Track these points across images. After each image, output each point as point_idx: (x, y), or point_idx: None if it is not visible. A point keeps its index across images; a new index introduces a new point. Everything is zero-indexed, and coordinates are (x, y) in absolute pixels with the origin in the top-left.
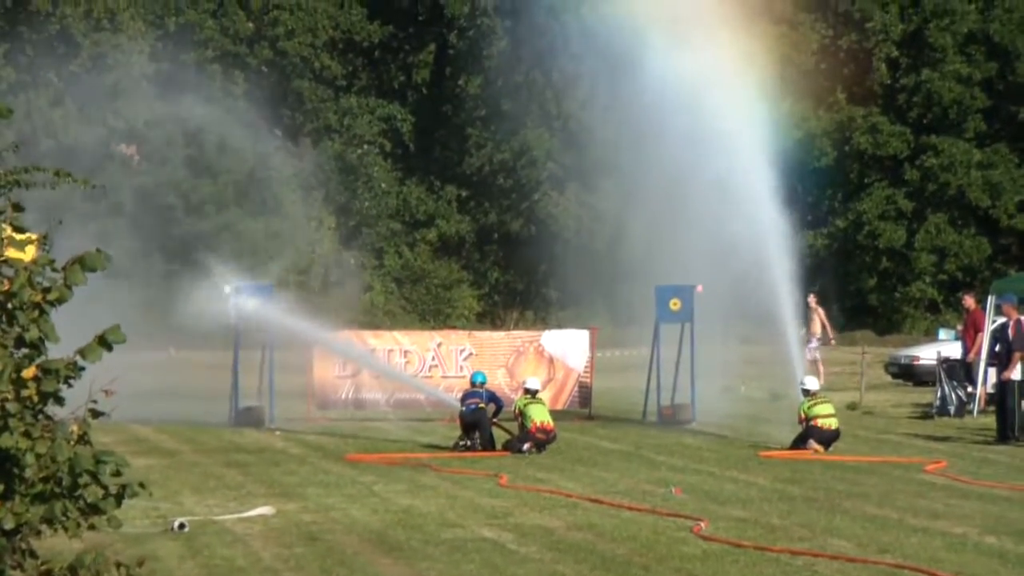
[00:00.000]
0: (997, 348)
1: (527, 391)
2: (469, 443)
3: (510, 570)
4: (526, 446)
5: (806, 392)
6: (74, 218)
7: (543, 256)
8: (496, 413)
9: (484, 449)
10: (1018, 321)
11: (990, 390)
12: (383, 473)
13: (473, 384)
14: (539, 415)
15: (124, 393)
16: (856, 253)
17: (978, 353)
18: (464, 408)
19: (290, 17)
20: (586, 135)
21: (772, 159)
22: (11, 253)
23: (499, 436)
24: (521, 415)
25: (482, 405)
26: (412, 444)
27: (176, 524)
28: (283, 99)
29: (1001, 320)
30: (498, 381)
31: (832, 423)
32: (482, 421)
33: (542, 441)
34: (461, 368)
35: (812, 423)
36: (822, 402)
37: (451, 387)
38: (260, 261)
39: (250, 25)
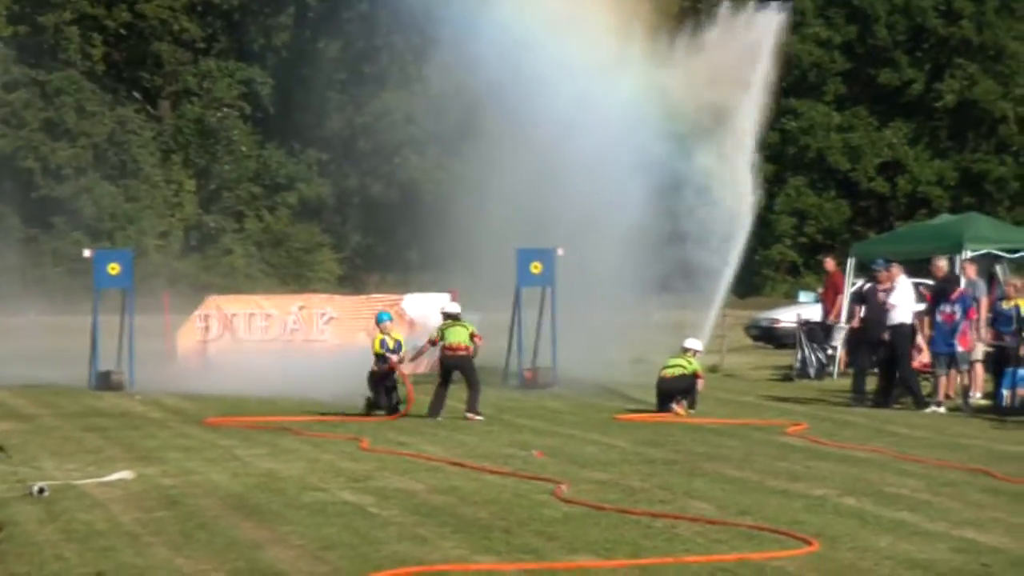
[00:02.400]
0: (864, 313)
1: (448, 315)
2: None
3: (372, 533)
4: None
5: (685, 350)
6: None
7: (404, 219)
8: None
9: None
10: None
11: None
12: (243, 437)
13: (379, 322)
14: (452, 336)
15: None
16: None
17: (838, 316)
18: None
19: None
20: (447, 99)
21: (637, 125)
22: None
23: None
24: (441, 339)
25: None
26: (273, 408)
27: (35, 489)
28: (142, 62)
29: (860, 282)
30: (360, 344)
31: (674, 372)
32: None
33: (449, 359)
34: (323, 331)
35: (661, 375)
36: (674, 357)
37: (314, 351)
38: (119, 225)
39: None
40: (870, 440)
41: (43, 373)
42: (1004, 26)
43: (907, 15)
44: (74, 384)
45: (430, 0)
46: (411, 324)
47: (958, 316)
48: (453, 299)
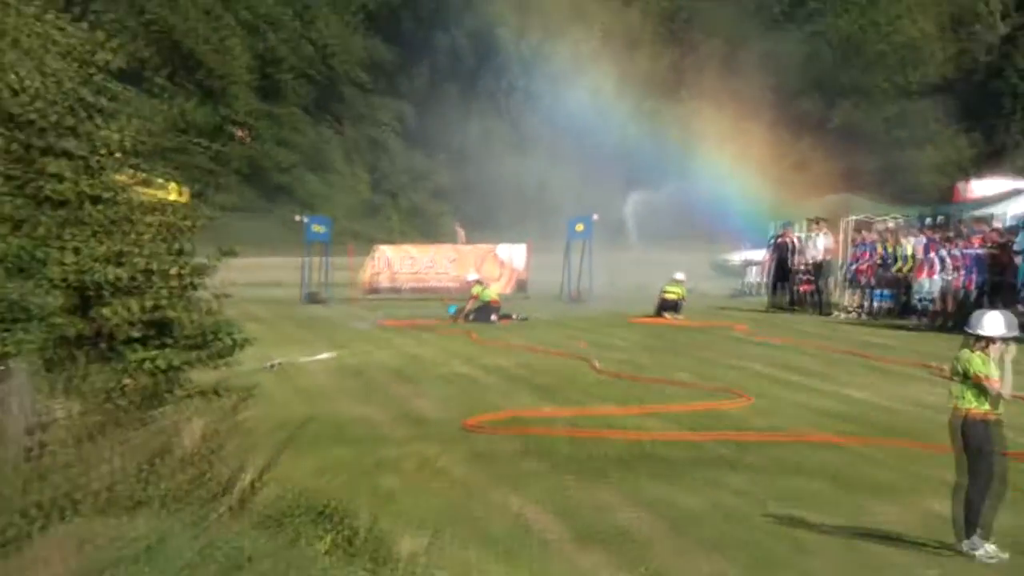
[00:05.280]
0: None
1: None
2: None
3: (477, 392)
4: (493, 316)
5: (675, 280)
6: (207, 176)
7: (497, 196)
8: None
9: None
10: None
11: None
12: (399, 332)
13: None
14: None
15: (238, 283)
16: None
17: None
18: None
19: (337, 45)
20: (524, 120)
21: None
22: (173, 198)
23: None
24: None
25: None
26: (419, 315)
27: (271, 364)
28: (332, 98)
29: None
30: (470, 276)
31: (672, 296)
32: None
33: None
34: (447, 268)
35: (663, 296)
36: (669, 285)
37: (441, 277)
38: (321, 201)
39: (313, 52)
40: (785, 335)
41: (274, 293)
42: None
43: None
44: (292, 300)
45: (511, 60)
46: (502, 263)
47: (867, 256)
48: (528, 248)
